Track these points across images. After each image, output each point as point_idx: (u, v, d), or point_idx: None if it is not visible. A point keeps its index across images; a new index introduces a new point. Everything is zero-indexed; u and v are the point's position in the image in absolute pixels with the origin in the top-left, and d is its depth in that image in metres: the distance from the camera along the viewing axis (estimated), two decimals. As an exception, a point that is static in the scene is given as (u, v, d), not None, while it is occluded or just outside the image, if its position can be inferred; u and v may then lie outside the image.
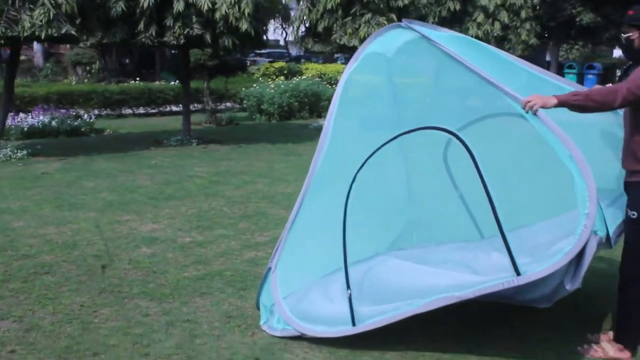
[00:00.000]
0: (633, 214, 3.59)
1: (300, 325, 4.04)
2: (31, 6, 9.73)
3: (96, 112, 17.33)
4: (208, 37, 11.44)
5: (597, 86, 3.79)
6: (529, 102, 3.44)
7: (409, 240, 5.30)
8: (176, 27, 11.20)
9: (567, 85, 4.30)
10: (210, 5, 11.05)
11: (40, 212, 7.24)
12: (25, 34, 9.69)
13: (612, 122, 4.24)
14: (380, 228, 5.20)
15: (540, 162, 3.62)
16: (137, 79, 23.69)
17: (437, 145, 4.84)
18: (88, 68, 28.19)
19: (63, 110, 15.67)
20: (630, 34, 3.61)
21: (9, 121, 13.55)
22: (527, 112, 3.44)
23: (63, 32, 9.86)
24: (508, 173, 4.18)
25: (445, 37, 4.30)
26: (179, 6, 10.99)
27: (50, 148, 12.06)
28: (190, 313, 4.48)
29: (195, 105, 19.16)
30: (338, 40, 14.57)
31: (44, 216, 7.07)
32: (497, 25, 18.42)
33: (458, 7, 16.48)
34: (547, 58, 30.16)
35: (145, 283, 5.07)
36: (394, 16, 14.49)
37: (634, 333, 3.80)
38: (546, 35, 25.74)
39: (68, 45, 25.63)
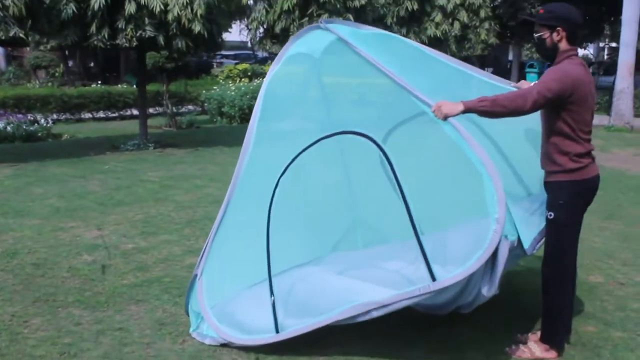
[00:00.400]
0: (550, 214, 3.63)
1: (226, 333, 4.03)
2: (-23, 9, 9.57)
3: (55, 116, 17.12)
4: (161, 39, 11.35)
5: (511, 90, 3.83)
6: (436, 109, 3.43)
7: (354, 242, 5.33)
8: (128, 29, 11.09)
9: (496, 82, 4.31)
10: (162, 6, 10.97)
11: (-17, 220, 7.12)
12: (-29, 38, 9.53)
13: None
14: (321, 231, 5.21)
15: (457, 166, 3.64)
16: (99, 82, 23.45)
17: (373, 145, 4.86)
18: (51, 71, 27.84)
19: (20, 115, 15.44)
20: (542, 33, 3.60)
21: (-39, 126, 13.33)
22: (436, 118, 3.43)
23: (11, 34, 9.72)
24: (428, 176, 4.21)
25: (368, 35, 4.31)
26: (130, 8, 10.88)
27: (3, 154, 11.86)
28: (122, 321, 4.43)
29: (157, 108, 19.04)
30: (296, 42, 14.55)
31: (-14, 224, 6.96)
32: (456, 25, 18.61)
33: (416, 7, 16.58)
34: (510, 57, 30.54)
35: (81, 291, 5.01)
36: (350, 16, 14.56)
37: (559, 333, 3.86)
38: (508, 34, 26.05)
39: (28, 49, 25.27)
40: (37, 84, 24.21)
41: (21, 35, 9.77)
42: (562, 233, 3.63)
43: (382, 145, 3.67)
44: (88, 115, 18.07)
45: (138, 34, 11.17)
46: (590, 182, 3.62)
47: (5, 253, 5.95)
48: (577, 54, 3.62)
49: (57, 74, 26.99)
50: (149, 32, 11.20)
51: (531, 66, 27.54)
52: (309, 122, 4.72)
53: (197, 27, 11.17)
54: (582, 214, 3.71)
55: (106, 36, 11.14)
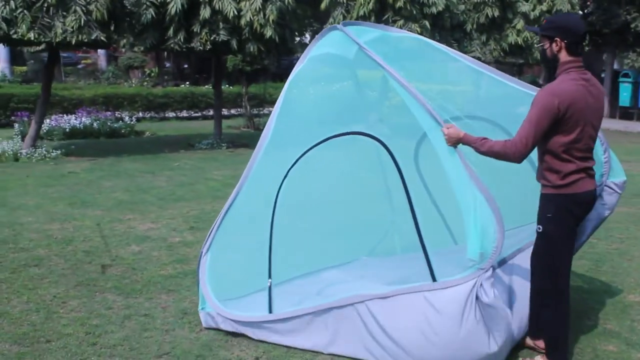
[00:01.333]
0: (539, 228, 3.62)
1: (220, 307, 4.28)
2: (64, 13, 10.27)
3: (140, 114, 18.02)
4: (234, 43, 11.76)
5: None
6: (446, 137, 3.54)
7: (391, 247, 5.39)
8: (203, 33, 11.57)
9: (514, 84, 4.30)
10: (235, 11, 11.37)
11: (52, 209, 7.66)
12: (57, 40, 10.23)
13: None
14: (359, 234, 5.32)
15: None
16: (187, 83, 24.39)
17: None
18: (147, 72, 29.19)
19: (109, 113, 16.35)
20: (543, 43, 3.59)
21: (52, 122, 14.30)
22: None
23: (93, 37, 10.36)
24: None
25: (393, 38, 4.41)
26: (205, 13, 11.36)
27: (84, 149, 12.64)
28: (150, 308, 4.71)
29: (238, 109, 19.63)
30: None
31: (53, 213, 7.49)
32: (542, 32, 18.15)
33: (497, 13, 16.28)
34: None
35: (121, 279, 5.34)
36: (427, 23, 14.52)
37: (561, 347, 3.80)
38: (600, 42, 25.01)
39: (123, 49, 26.65)
40: (132, 83, 25.50)
41: (102, 38, 10.38)
42: (551, 246, 3.60)
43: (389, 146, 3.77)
44: (172, 114, 18.87)
45: (212, 38, 11.62)
46: (581, 197, 3.55)
47: (63, 240, 6.40)
48: (577, 66, 3.49)
49: (152, 74, 28.26)
50: (223, 36, 11.64)
51: (625, 75, 26.35)
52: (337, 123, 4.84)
53: (268, 32, 11.51)
54: (572, 228, 3.63)
55: (182, 40, 11.67)
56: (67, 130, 14.15)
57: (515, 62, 18.08)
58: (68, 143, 13.14)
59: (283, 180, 4.44)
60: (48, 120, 14.56)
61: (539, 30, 3.62)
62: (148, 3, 11.30)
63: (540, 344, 3.93)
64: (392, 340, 3.66)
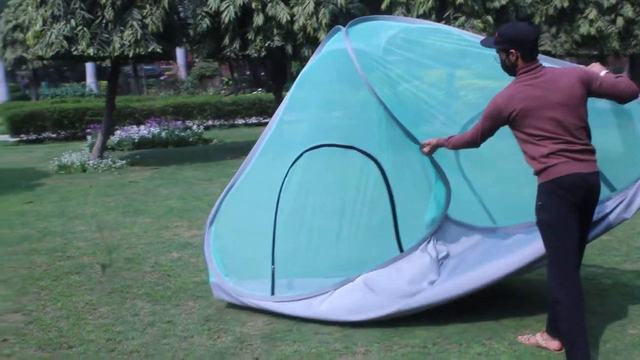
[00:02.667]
0: (535, 219, 3.70)
1: (224, 280, 4.68)
2: (121, 28, 10.64)
3: (210, 122, 18.44)
4: (289, 49, 11.83)
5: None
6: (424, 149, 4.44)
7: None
8: (257, 40, 11.70)
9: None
10: (288, 17, 11.44)
11: (106, 218, 7.93)
12: (115, 54, 10.61)
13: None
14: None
15: None
16: (259, 89, 24.79)
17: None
18: (224, 80, 29.93)
19: (178, 122, 16.82)
20: (500, 54, 3.79)
21: (122, 133, 14.84)
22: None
23: (150, 50, 10.68)
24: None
25: (399, 28, 4.73)
26: (258, 20, 11.49)
27: (149, 158, 13.04)
28: (174, 315, 4.76)
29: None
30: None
31: (106, 222, 7.74)
32: (619, 20, 17.19)
33: (567, 4, 15.57)
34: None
35: (154, 285, 5.44)
36: (489, 18, 14.11)
37: (580, 345, 3.58)
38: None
39: (197, 60, 27.44)
40: (210, 92, 26.24)
41: (158, 50, 10.68)
42: (549, 234, 3.62)
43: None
44: (241, 121, 19.19)
45: (267, 44, 11.73)
46: (564, 181, 3.53)
47: (108, 248, 6.59)
48: (529, 70, 3.67)
49: (231, 82, 28.91)
50: (277, 42, 11.72)
51: None
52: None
53: (322, 36, 11.47)
54: (566, 215, 3.57)
55: (238, 47, 11.84)
56: (136, 140, 14.64)
57: (589, 53, 17.25)
58: (135, 153, 13.61)
59: (289, 169, 4.78)
60: (119, 132, 15.14)
61: (493, 44, 3.78)
62: (203, 13, 11.53)
63: (552, 344, 3.86)
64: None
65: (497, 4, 14.22)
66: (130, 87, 32.38)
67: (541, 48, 16.75)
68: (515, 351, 3.96)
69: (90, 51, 10.54)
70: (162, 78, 39.07)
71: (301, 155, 4.78)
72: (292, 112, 5.05)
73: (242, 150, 14.19)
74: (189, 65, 34.33)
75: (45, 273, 5.84)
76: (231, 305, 4.82)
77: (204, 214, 7.95)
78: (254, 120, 19.63)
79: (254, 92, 22.86)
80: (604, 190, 4.07)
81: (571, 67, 3.88)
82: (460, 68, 4.89)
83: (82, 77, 37.22)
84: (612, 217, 4.07)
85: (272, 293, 4.71)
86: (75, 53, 10.61)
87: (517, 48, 3.64)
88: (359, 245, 5.16)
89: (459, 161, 5.15)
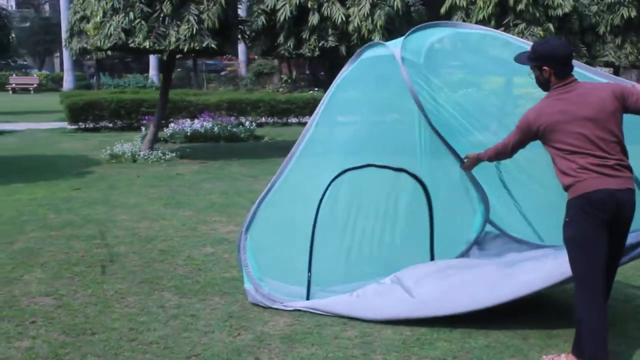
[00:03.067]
0: (564, 235, 3.60)
1: (259, 285, 4.72)
2: (178, 22, 10.80)
3: (264, 119, 18.57)
4: (343, 49, 11.78)
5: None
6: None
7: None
8: (312, 40, 11.70)
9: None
10: (344, 17, 11.39)
11: (147, 208, 8.05)
12: (170, 48, 10.78)
13: None
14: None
15: None
16: (316, 89, 24.83)
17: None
18: (283, 78, 30.14)
19: (232, 118, 16.99)
20: (533, 70, 3.75)
21: (175, 126, 15.08)
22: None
23: (204, 45, 10.80)
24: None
25: (452, 35, 4.70)
26: (314, 19, 11.48)
27: (199, 152, 13.20)
28: (199, 309, 4.78)
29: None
30: (489, 52, 14.13)
31: (147, 212, 7.86)
32: (691, 33, 16.49)
33: (634, 13, 15.02)
34: None
35: (184, 279, 5.48)
36: (550, 26, 13.72)
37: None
38: None
39: (255, 57, 27.73)
40: (270, 89, 26.48)
41: (213, 45, 10.79)
42: (575, 251, 3.53)
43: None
44: (294, 119, 19.23)
45: (320, 44, 11.72)
46: (592, 197, 3.43)
47: (146, 238, 6.69)
48: (562, 85, 3.62)
49: (289, 81, 29.08)
50: (331, 42, 11.70)
51: None
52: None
53: (376, 38, 11.40)
54: (594, 232, 3.45)
55: (292, 46, 11.87)
56: (189, 133, 14.85)
57: (655, 66, 16.61)
58: (186, 146, 13.80)
59: (332, 181, 4.85)
60: (173, 124, 15.39)
61: (527, 61, 3.72)
62: (259, 11, 11.61)
63: None
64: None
65: (559, 12, 13.81)
66: (191, 80, 32.95)
67: (604, 59, 16.25)
68: (539, 370, 3.83)
69: (147, 44, 10.74)
70: (222, 73, 39.67)
71: (346, 171, 4.87)
72: (339, 113, 5.05)
73: (291, 148, 14.17)
74: (249, 61, 34.71)
75: (82, 259, 5.96)
76: (255, 304, 4.81)
77: (244, 210, 7.98)
78: (307, 119, 19.62)
79: (310, 92, 22.92)
80: None
81: (606, 82, 3.78)
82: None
83: (145, 69, 38.17)
84: None
85: (308, 299, 4.81)
86: (132, 45, 10.83)
87: (550, 65, 3.60)
88: (395, 252, 5.17)
89: (502, 176, 5.14)
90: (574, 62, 4.19)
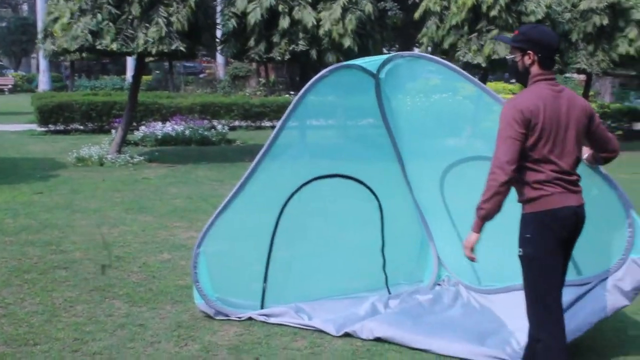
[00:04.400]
0: (520, 251, 3.35)
1: (211, 301, 4.65)
2: (147, 25, 10.66)
3: (237, 123, 18.43)
4: (313, 53, 11.72)
5: None
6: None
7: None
8: (282, 43, 11.62)
9: None
10: (315, 21, 11.33)
11: (108, 214, 7.91)
12: (138, 50, 10.64)
13: None
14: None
15: None
16: (292, 92, 24.71)
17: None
18: (262, 81, 29.98)
19: (205, 121, 16.83)
20: (514, 55, 3.42)
21: (147, 129, 14.91)
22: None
23: (173, 48, 10.68)
24: None
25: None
26: (284, 23, 11.41)
27: (168, 155, 13.05)
28: (148, 318, 4.67)
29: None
30: (462, 57, 14.17)
31: (108, 217, 7.72)
32: (663, 40, 16.63)
33: (606, 21, 15.13)
34: None
35: (137, 286, 5.36)
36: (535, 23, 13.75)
37: None
38: None
39: (232, 60, 27.53)
40: (247, 92, 26.30)
41: (182, 48, 10.67)
42: (534, 270, 3.31)
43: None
44: (269, 123, 19.10)
45: (291, 48, 11.64)
46: (558, 214, 3.26)
47: (103, 244, 6.55)
48: (547, 78, 3.34)
49: (271, 84, 28.91)
50: (302, 46, 11.63)
51: None
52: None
53: (347, 42, 11.37)
54: (555, 250, 3.31)
55: (263, 50, 11.78)
56: (159, 137, 14.68)
57: (627, 73, 16.73)
58: (156, 149, 13.64)
59: (295, 192, 4.86)
60: (143, 127, 15.21)
61: (512, 42, 3.41)
62: (230, 14, 11.51)
63: None
64: None
65: (532, 19, 13.88)
66: (168, 83, 32.68)
67: (576, 66, 16.34)
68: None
69: (114, 46, 10.59)
70: (201, 76, 39.41)
71: (310, 181, 4.91)
72: (311, 117, 5.02)
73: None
74: (228, 64, 34.52)
75: (34, 266, 5.82)
76: (206, 313, 4.72)
77: (206, 215, 7.84)
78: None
79: (286, 95, 22.82)
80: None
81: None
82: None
83: (123, 71, 37.79)
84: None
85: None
86: (99, 47, 10.67)
87: (537, 51, 3.29)
88: (350, 268, 5.15)
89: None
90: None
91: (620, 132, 20.46)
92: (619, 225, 3.84)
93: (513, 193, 3.35)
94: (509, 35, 3.84)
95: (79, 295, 5.11)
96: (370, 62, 4.81)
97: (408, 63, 4.80)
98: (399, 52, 4.87)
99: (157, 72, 36.27)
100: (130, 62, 35.04)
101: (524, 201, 3.35)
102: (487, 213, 3.26)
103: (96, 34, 10.65)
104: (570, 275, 4.20)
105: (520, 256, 3.34)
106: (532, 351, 3.43)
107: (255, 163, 4.62)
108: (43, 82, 35.43)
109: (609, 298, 3.90)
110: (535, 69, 3.33)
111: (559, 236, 3.28)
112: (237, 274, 4.93)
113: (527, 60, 3.33)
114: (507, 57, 3.47)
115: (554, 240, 3.27)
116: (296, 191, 4.87)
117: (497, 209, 3.24)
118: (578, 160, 3.38)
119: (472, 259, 3.40)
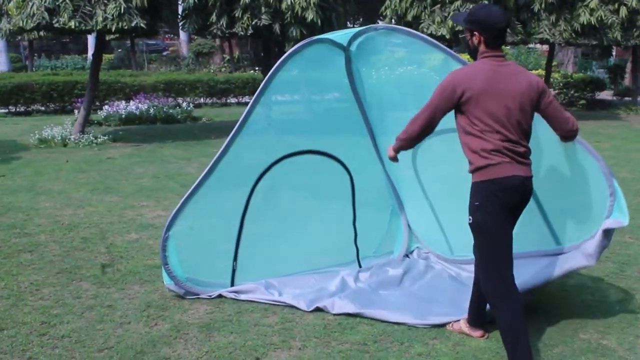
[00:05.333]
0: (470, 219, 3.47)
1: (180, 281, 4.60)
2: (105, 1, 10.41)
3: (202, 100, 18.24)
4: (277, 28, 11.59)
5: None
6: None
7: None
8: (245, 18, 11.46)
9: None
10: (277, -5, 11.19)
11: (73, 195, 7.78)
12: (98, 28, 10.40)
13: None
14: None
15: None
16: (258, 68, 24.51)
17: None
18: (226, 58, 29.63)
19: (170, 99, 16.61)
20: (465, 34, 3.58)
21: (110, 108, 14.66)
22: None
23: (133, 24, 10.46)
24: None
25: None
26: (247, -3, 11.24)
27: (133, 134, 12.87)
28: (116, 299, 4.62)
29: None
30: (426, 29, 14.16)
31: (73, 198, 7.59)
32: (623, 10, 16.83)
33: (568, -8, 15.27)
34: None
35: (104, 267, 5.29)
36: (486, 3, 13.80)
37: (522, 347, 3.41)
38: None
39: (195, 36, 27.16)
40: (211, 69, 25.98)
41: (142, 25, 10.45)
42: (485, 236, 3.43)
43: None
44: (234, 100, 18.94)
45: (254, 23, 11.49)
46: (505, 182, 3.36)
47: (68, 226, 6.45)
48: (494, 56, 3.46)
49: (236, 60, 28.57)
50: (265, 20, 11.49)
51: None
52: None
53: (310, 15, 11.26)
54: (502, 217, 3.41)
55: (225, 25, 11.61)
56: (123, 116, 14.46)
57: (588, 43, 16.92)
58: (120, 129, 13.43)
59: (266, 170, 4.81)
60: (107, 107, 14.96)
61: (460, 22, 3.55)
62: (191, -12, 11.29)
63: (475, 333, 3.98)
64: None
65: (495, -11, 13.93)
66: (131, 61, 32.11)
67: (539, 36, 16.46)
68: (458, 352, 3.82)
69: (72, 24, 10.32)
70: (165, 53, 38.76)
71: (282, 159, 4.85)
72: (277, 93, 4.90)
73: (228, 129, 13.87)
74: (192, 41, 33.99)
75: (-2, 250, 5.70)
76: (174, 292, 4.68)
77: (173, 194, 7.84)
78: (247, 99, 19.39)
79: (251, 72, 22.63)
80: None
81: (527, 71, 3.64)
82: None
83: (84, 50, 36.97)
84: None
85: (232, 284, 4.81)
86: (56, 25, 10.39)
87: (481, 32, 3.42)
88: (321, 244, 5.15)
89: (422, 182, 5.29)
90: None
91: (583, 102, 20.80)
92: (600, 196, 3.89)
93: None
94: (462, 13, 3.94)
95: (45, 279, 5.02)
96: (341, 35, 4.74)
97: (380, 36, 4.75)
98: (372, 25, 4.76)
99: (119, 50, 35.60)
100: (91, 40, 34.24)
101: (473, 170, 3.46)
102: (401, 147, 3.79)
103: (53, 11, 10.37)
104: (548, 245, 4.30)
105: (470, 224, 3.45)
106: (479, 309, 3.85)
107: (228, 141, 4.55)
108: (1, 63, 34.53)
109: (568, 257, 4.02)
110: (482, 48, 3.45)
111: (507, 204, 3.38)
112: (207, 253, 4.87)
113: (475, 40, 3.47)
114: (461, 36, 3.63)
115: (502, 208, 3.38)
116: (268, 168, 4.83)
117: (409, 146, 3.79)
118: (526, 132, 3.46)
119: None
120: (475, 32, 3.44)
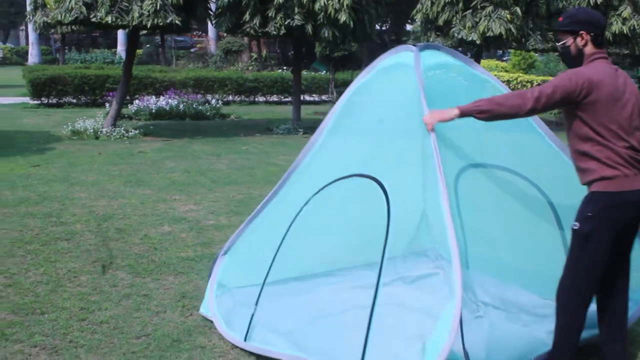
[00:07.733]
0: (575, 225, 3.29)
1: (214, 313, 4.19)
2: (142, -2, 10.60)
3: (230, 98, 18.40)
4: (309, 28, 11.69)
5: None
6: (426, 119, 3.46)
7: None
8: (278, 18, 11.57)
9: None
10: (310, -4, 11.29)
11: (107, 187, 7.94)
12: (133, 23, 10.58)
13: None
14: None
15: None
16: (285, 68, 24.64)
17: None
18: (254, 56, 29.85)
19: (199, 95, 16.80)
20: (565, 40, 3.42)
21: (140, 103, 14.87)
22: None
23: (168, 21, 10.63)
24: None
25: (459, 67, 4.08)
26: (280, -3, 11.35)
27: (163, 129, 13.05)
28: (152, 289, 4.74)
29: (330, 96, 19.62)
30: (456, 34, 14.16)
31: (106, 190, 7.76)
32: (655, 20, 16.68)
33: (600, 0, 15.19)
34: None
35: (139, 257, 5.43)
36: (518, 10, 13.79)
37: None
38: None
39: (225, 34, 27.34)
40: (239, 67, 26.17)
41: (177, 22, 10.62)
42: (583, 248, 3.27)
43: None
44: (262, 98, 19.09)
45: (286, 23, 11.60)
46: (629, 197, 3.21)
47: (103, 216, 6.61)
48: (603, 57, 3.35)
49: (259, 59, 28.76)
50: (297, 21, 11.59)
51: None
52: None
53: (342, 17, 11.34)
54: (614, 233, 3.26)
55: (257, 24, 11.73)
56: (153, 111, 14.66)
57: (619, 52, 16.80)
58: (150, 124, 13.62)
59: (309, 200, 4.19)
60: (137, 101, 15.18)
61: (560, 27, 3.42)
62: (225, -13, 11.43)
63: None
64: None
65: (527, -5, 13.89)
66: (159, 57, 32.45)
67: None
68: None
69: (109, 19, 10.52)
70: (192, 50, 39.11)
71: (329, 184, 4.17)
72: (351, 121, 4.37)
73: (257, 127, 14.21)
74: (219, 39, 34.26)
75: (36, 237, 5.86)
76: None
77: (204, 189, 7.98)
78: (275, 98, 19.53)
79: (279, 71, 22.77)
80: None
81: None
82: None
83: (113, 45, 37.47)
84: None
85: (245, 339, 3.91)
86: (93, 20, 10.60)
87: (589, 30, 3.30)
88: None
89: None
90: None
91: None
92: None
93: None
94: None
95: (82, 266, 5.17)
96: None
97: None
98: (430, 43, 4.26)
99: (148, 46, 36.01)
100: (121, 35, 34.72)
101: (596, 179, 3.25)
102: (482, 111, 3.31)
103: (90, 6, 10.57)
104: None
105: (574, 230, 3.30)
106: None
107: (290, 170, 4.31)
108: (33, 55, 35.17)
109: None
110: (589, 49, 3.33)
111: (622, 220, 3.26)
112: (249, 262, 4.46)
113: (580, 42, 3.34)
114: (558, 45, 3.45)
115: (617, 224, 3.26)
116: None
117: (495, 118, 3.33)
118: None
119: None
120: (582, 32, 3.31)
